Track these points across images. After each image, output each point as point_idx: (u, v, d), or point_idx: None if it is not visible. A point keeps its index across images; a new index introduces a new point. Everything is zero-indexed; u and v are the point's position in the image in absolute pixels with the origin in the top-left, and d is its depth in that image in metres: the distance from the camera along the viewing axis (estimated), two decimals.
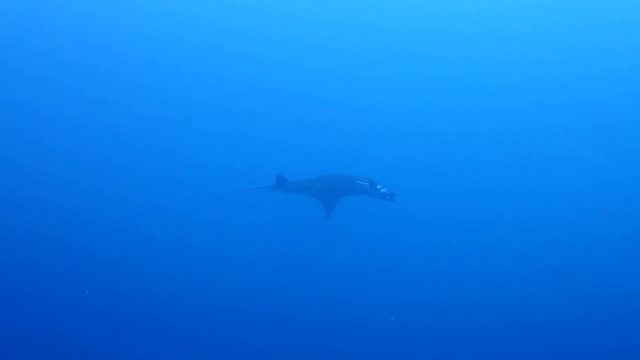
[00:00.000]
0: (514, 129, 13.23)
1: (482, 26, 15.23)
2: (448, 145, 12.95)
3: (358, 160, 11.50)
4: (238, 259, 9.87)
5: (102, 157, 11.68)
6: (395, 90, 13.95)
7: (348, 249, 10.06)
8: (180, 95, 13.39)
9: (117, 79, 13.49)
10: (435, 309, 9.23)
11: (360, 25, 15.19)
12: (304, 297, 9.23)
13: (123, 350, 8.00)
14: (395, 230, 10.57)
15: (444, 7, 15.61)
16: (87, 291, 8.58)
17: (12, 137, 11.78)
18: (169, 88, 13.52)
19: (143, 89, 13.46)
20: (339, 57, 14.66)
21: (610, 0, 15.20)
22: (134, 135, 12.32)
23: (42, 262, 9.09)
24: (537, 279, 9.76)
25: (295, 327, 8.67)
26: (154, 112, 12.88)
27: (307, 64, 14.43)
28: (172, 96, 13.33)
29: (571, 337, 8.73)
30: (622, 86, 13.93)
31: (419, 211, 11.00)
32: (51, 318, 8.20)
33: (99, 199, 10.51)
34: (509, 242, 10.53)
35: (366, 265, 9.89)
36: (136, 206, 10.42)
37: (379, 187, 8.40)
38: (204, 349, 8.33)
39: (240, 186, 9.75)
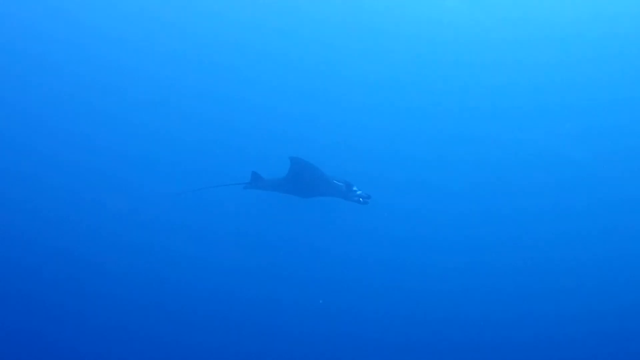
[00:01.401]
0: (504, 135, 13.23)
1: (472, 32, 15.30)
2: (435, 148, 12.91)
3: (337, 161, 11.36)
4: (212, 256, 9.69)
5: (76, 155, 11.37)
6: (374, 93, 13.92)
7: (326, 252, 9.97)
8: (157, 94, 13.17)
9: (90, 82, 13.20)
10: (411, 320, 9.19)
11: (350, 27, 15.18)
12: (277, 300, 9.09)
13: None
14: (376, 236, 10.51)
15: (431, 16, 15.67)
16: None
17: None
18: (147, 89, 13.28)
19: (119, 90, 13.19)
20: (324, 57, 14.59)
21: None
22: (106, 133, 12.03)
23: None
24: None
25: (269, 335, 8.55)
26: (129, 112, 12.63)
27: (289, 64, 14.34)
28: (149, 96, 13.10)
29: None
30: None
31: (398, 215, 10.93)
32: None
33: (76, 199, 10.22)
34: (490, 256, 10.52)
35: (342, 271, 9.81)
36: (105, 205, 10.13)
37: (354, 188, 8.29)
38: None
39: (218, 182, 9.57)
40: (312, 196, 8.63)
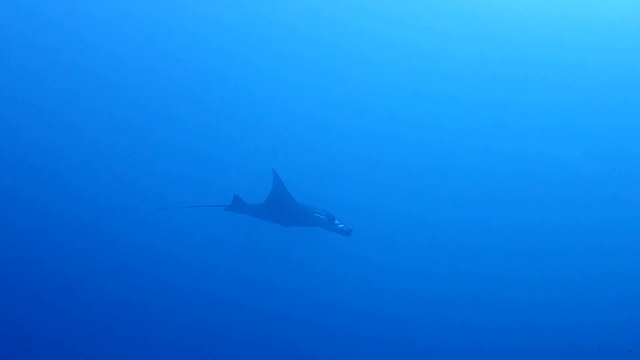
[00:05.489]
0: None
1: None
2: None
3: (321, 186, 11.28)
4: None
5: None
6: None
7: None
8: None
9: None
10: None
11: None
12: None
13: None
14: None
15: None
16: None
17: None
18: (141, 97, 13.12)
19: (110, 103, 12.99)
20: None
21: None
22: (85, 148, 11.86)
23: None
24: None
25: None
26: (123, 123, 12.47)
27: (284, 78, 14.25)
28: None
29: None
30: None
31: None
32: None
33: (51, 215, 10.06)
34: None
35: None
36: (79, 219, 10.00)
37: (336, 222, 8.18)
38: None
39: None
40: (293, 225, 8.49)
